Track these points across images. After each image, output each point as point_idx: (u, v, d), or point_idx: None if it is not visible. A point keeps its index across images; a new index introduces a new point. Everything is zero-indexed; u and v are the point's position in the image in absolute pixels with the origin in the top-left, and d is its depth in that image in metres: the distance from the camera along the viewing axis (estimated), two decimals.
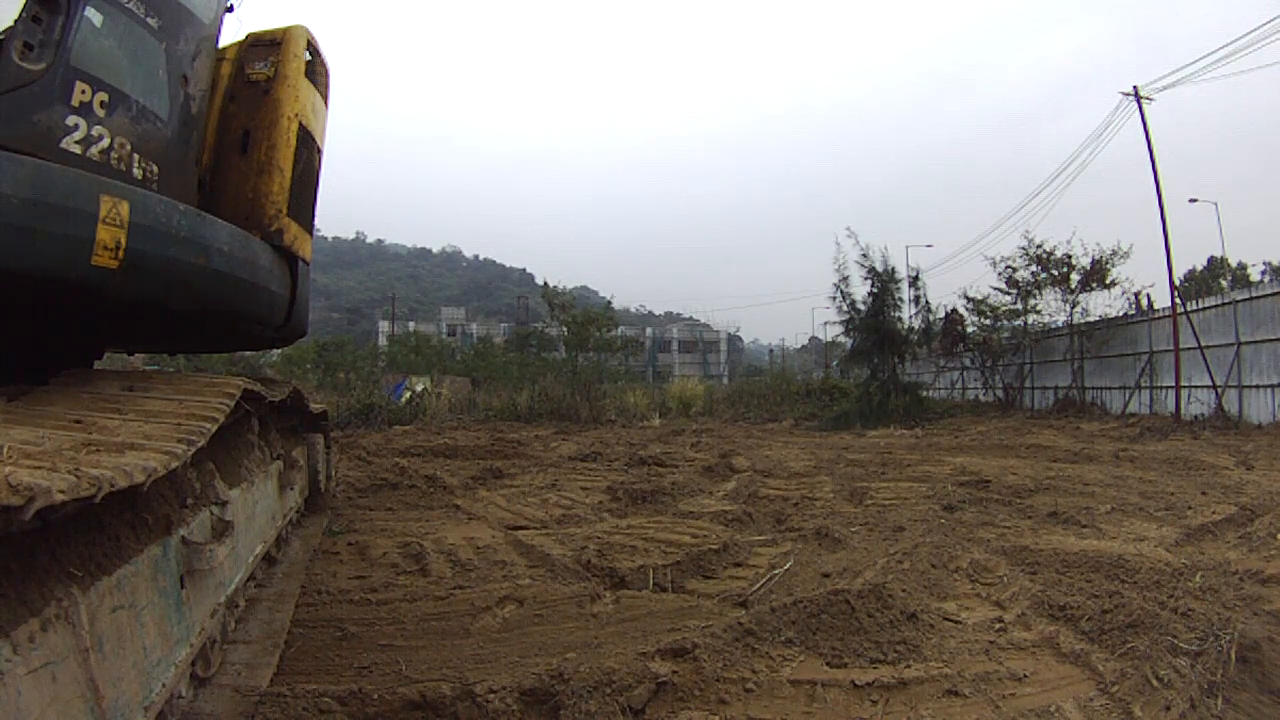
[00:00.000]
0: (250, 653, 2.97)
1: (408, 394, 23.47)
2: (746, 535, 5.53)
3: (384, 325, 61.60)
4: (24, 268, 2.29)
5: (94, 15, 2.70)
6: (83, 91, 2.65)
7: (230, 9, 3.97)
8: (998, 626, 3.48)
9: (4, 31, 2.39)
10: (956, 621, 3.53)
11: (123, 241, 2.58)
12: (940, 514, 6.15)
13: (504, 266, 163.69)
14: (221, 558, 2.53)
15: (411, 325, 61.72)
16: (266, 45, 4.20)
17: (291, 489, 4.67)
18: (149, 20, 3.02)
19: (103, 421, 2.21)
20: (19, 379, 2.74)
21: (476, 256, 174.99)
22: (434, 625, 3.65)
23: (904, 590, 3.70)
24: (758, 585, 4.27)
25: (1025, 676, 2.92)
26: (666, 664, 2.90)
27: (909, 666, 2.99)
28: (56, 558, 1.55)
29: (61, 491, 1.35)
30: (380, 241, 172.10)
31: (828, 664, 3.03)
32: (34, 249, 2.29)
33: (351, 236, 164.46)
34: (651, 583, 4.29)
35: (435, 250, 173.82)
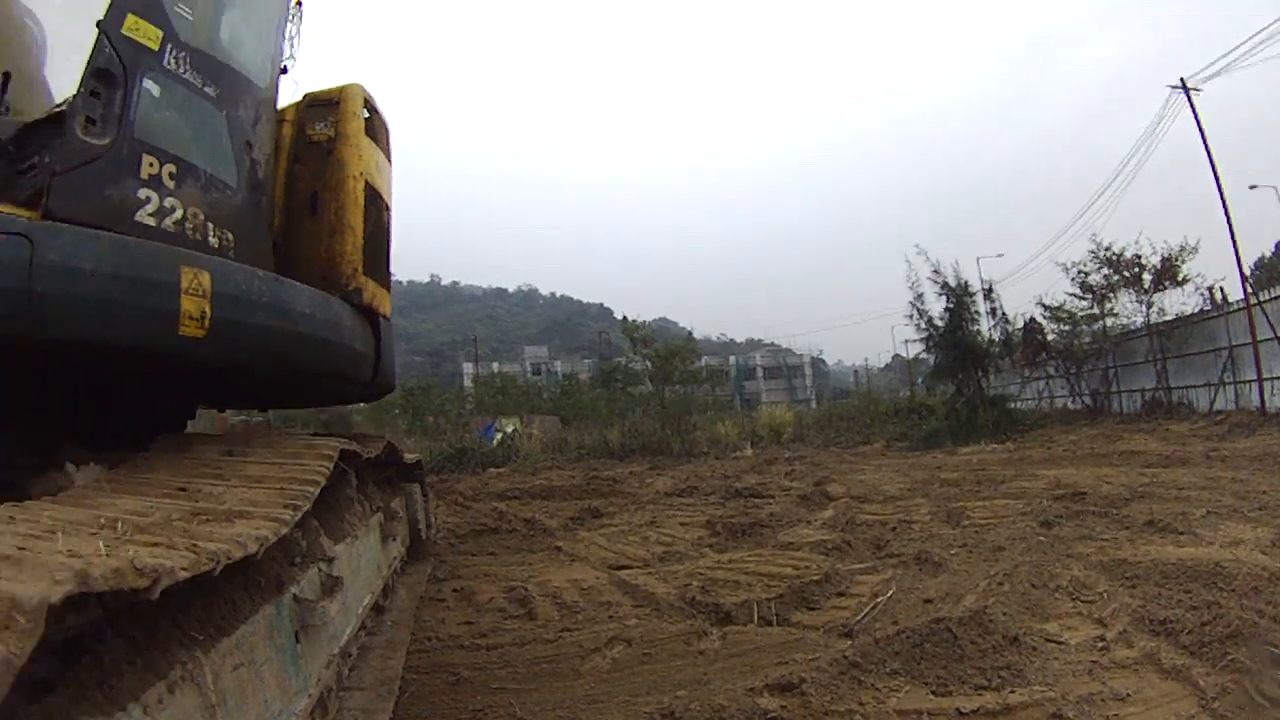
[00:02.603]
0: (366, 699, 3.02)
1: (499, 435, 23.75)
2: (847, 564, 5.37)
3: (468, 367, 62.48)
4: (114, 340, 2.38)
5: (152, 87, 2.77)
6: (150, 164, 2.70)
7: (285, 70, 4.00)
8: (1100, 645, 3.39)
9: (64, 103, 2.48)
10: (1059, 642, 3.46)
11: (208, 311, 2.65)
12: (1038, 531, 5.92)
13: (581, 302, 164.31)
14: (333, 613, 2.58)
15: (495, 366, 62.82)
16: (324, 105, 4.23)
17: (393, 539, 4.75)
18: (207, 90, 3.09)
19: (207, 488, 2.28)
20: (115, 445, 2.82)
21: (553, 293, 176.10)
22: (544, 668, 3.67)
23: (1005, 613, 3.61)
24: (861, 615, 4.16)
25: (1128, 696, 2.88)
26: (775, 699, 2.91)
27: (1013, 692, 2.94)
28: (178, 624, 1.61)
29: (184, 569, 1.40)
30: (455, 283, 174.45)
31: (933, 693, 2.98)
32: (122, 322, 2.38)
33: (426, 280, 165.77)
34: (756, 616, 4.20)
35: (511, 289, 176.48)
